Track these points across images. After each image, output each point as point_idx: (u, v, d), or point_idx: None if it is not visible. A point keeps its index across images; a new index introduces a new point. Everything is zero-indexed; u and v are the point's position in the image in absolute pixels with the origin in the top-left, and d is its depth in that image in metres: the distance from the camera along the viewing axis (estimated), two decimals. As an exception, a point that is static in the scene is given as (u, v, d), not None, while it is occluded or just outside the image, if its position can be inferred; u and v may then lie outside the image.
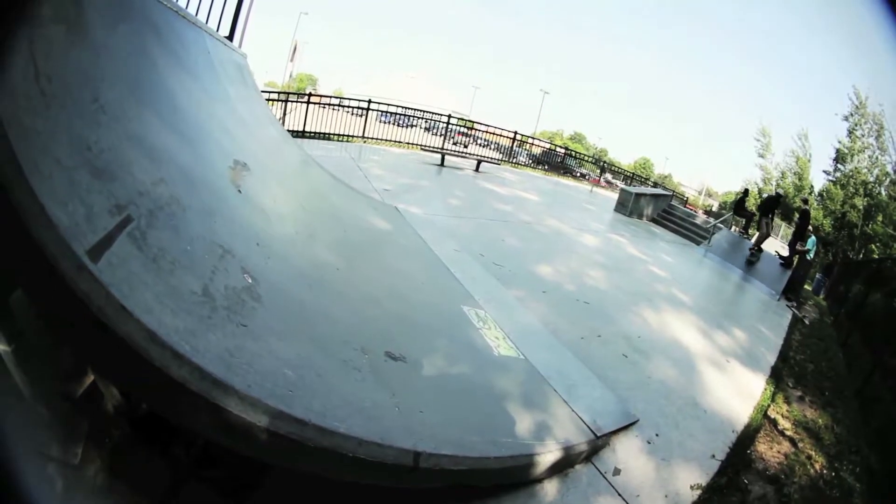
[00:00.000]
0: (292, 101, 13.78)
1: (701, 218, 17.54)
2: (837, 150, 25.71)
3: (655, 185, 28.94)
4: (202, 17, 4.67)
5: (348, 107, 14.32)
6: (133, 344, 1.49)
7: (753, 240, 12.58)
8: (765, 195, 13.48)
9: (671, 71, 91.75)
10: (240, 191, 3.13)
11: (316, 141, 12.72)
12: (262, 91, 9.01)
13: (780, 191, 12.91)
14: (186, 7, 4.13)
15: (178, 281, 1.87)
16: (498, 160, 17.56)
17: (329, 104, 14.33)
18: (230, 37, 5.93)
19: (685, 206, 22.72)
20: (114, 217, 1.67)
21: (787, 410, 4.77)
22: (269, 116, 6.11)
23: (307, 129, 13.22)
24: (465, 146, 21.95)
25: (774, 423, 4.40)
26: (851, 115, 24.94)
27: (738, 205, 15.10)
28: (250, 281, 2.38)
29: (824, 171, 27.07)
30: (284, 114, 12.96)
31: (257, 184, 3.53)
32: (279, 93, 15.10)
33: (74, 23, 1.79)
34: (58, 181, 1.46)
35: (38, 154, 1.41)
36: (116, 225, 1.65)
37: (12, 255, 1.38)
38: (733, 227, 17.64)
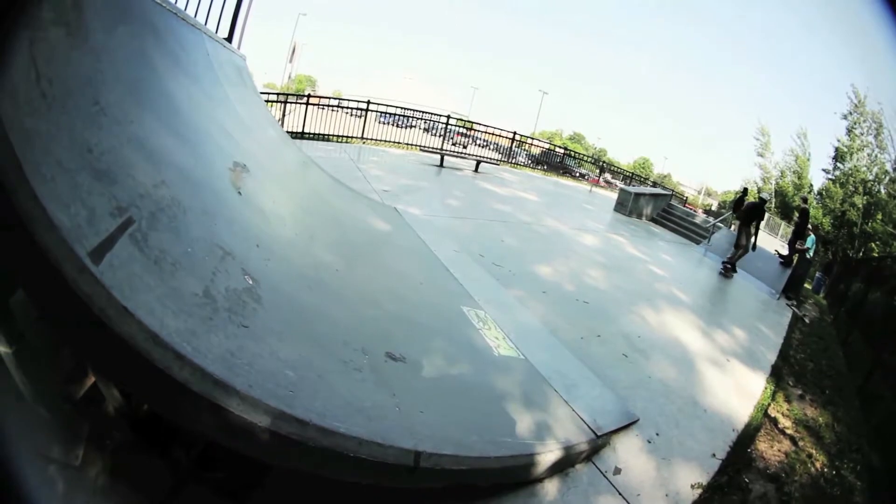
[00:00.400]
0: (291, 103, 13.78)
1: (700, 217, 17.55)
2: (836, 149, 25.81)
3: (654, 184, 28.97)
4: (201, 18, 4.68)
5: (347, 108, 14.32)
6: (135, 345, 1.49)
7: (729, 254, 10.81)
8: (748, 201, 11.35)
9: (670, 70, 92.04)
10: (240, 192, 3.14)
11: (315, 142, 12.72)
12: (262, 92, 9.04)
13: (765, 195, 11.44)
14: (185, 9, 4.13)
15: (179, 282, 1.88)
16: (497, 161, 17.56)
17: (328, 105, 14.32)
18: (229, 38, 5.94)
19: (684, 206, 22.71)
20: (115, 219, 1.67)
21: (788, 409, 4.77)
22: (269, 118, 6.12)
23: (306, 130, 13.23)
24: (464, 147, 21.95)
25: (775, 421, 4.40)
26: (850, 113, 25.04)
27: (738, 204, 15.06)
28: (251, 282, 2.39)
29: (823, 170, 27.19)
30: (283, 115, 12.97)
31: (257, 185, 3.54)
32: (278, 94, 15.10)
33: (75, 25, 1.80)
34: (59, 183, 1.47)
35: (39, 156, 1.41)
36: (118, 227, 1.66)
37: (14, 257, 1.39)
38: (732, 227, 17.65)
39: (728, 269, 10.49)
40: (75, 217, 1.47)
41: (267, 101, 10.48)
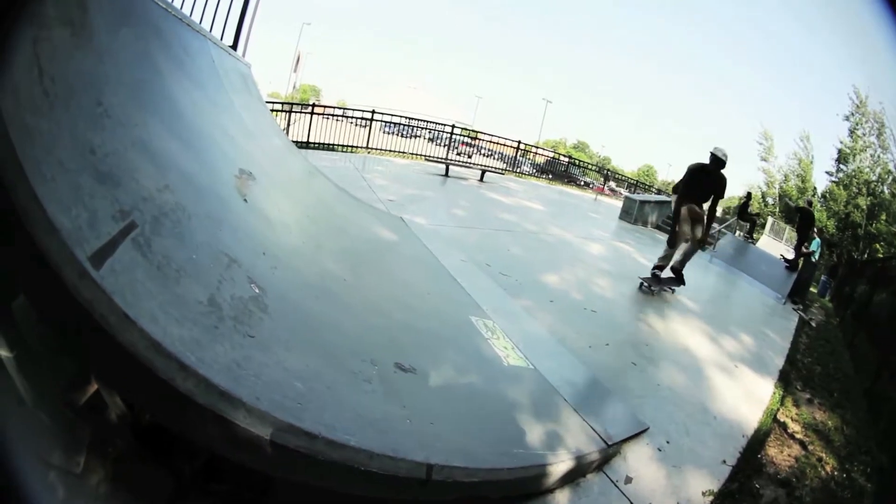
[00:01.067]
0: (296, 112, 13.83)
1: (705, 224, 17.47)
2: (839, 151, 25.74)
3: (659, 191, 28.92)
4: (206, 25, 4.68)
5: (352, 117, 14.38)
6: (137, 354, 1.45)
7: (664, 251, 7.20)
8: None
9: (670, 70, 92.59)
10: (245, 200, 3.11)
11: (320, 151, 12.74)
12: (266, 102, 9.04)
13: (720, 152, 6.45)
14: (191, 14, 4.12)
15: (183, 290, 1.84)
16: (502, 170, 17.59)
17: (333, 115, 14.38)
18: (234, 45, 5.94)
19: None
20: (117, 223, 1.63)
21: (797, 413, 4.71)
22: (274, 126, 6.11)
23: (311, 139, 13.26)
24: (469, 156, 21.93)
25: (784, 426, 4.34)
26: (852, 114, 25.02)
27: (742, 209, 15.13)
28: (257, 291, 2.34)
29: (827, 173, 27.12)
30: (288, 124, 13.02)
31: (262, 193, 3.51)
32: (283, 103, 15.18)
33: (79, 25, 1.77)
34: (60, 184, 1.43)
35: (40, 154, 1.38)
36: (120, 231, 1.62)
37: (14, 260, 1.35)
38: (737, 232, 17.63)
39: (659, 281, 7.07)
40: (76, 219, 1.44)
41: (272, 111, 10.51)
